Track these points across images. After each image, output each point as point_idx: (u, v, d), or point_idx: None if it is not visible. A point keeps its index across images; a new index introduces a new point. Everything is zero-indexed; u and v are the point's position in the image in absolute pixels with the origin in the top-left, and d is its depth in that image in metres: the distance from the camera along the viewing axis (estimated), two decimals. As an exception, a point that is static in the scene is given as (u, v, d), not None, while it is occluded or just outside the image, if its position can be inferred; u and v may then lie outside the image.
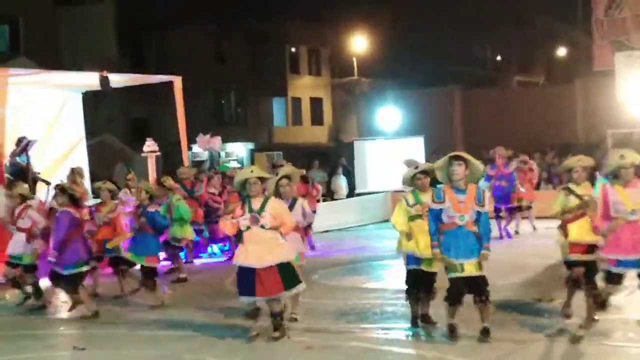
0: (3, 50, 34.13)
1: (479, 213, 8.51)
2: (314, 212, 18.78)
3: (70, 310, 11.34)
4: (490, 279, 8.61)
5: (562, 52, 54.22)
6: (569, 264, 9.38)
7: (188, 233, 14.83)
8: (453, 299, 8.61)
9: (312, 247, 18.39)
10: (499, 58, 57.78)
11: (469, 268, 8.44)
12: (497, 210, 18.37)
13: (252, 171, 9.26)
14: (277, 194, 9.77)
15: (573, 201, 9.16)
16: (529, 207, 18.81)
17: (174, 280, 14.05)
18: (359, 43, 47.36)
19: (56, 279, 11.16)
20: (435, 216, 8.60)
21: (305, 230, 10.81)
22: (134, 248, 11.84)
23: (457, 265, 8.44)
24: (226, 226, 9.17)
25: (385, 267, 15.29)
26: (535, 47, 53.88)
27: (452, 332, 8.69)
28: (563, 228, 9.30)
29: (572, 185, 9.26)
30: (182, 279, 14.09)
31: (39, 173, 17.05)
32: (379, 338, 9.18)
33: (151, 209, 11.80)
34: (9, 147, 16.20)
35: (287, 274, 9.10)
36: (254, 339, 9.11)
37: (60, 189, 11.17)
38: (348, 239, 20.43)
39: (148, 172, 18.90)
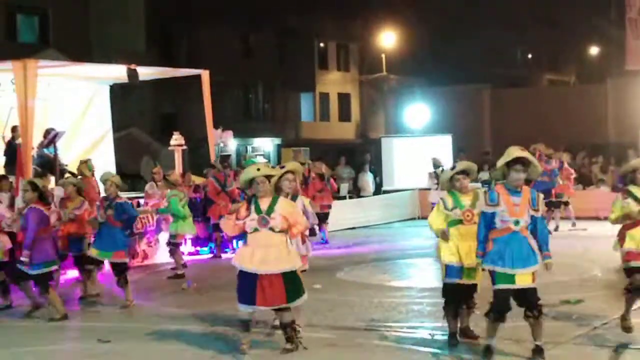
0: (33, 42, 34.31)
1: (534, 218, 7.69)
2: (329, 207, 18.95)
3: (30, 313, 10.85)
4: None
5: (594, 51, 53.71)
6: (630, 271, 8.72)
7: (186, 229, 14.80)
8: (498, 313, 7.76)
9: (326, 242, 18.47)
10: (529, 56, 57.36)
11: (523, 279, 7.61)
12: None
13: (258, 169, 8.40)
14: (278, 189, 8.82)
15: (633, 205, 8.61)
16: (566, 203, 19.41)
17: (171, 277, 13.99)
18: (388, 39, 47.20)
19: (22, 278, 10.64)
20: (488, 221, 7.73)
21: (313, 227, 9.91)
22: (100, 244, 11.46)
23: (509, 276, 7.60)
24: (228, 227, 8.39)
25: (411, 266, 15.19)
26: (566, 45, 53.42)
27: (489, 354, 7.88)
28: (620, 235, 8.77)
29: (632, 188, 8.69)
30: (179, 275, 13.98)
31: (66, 165, 17.09)
32: (404, 337, 9.06)
33: (119, 200, 11.46)
34: (37, 138, 16.23)
35: (293, 284, 8.29)
36: (243, 351, 8.37)
37: (32, 185, 10.66)
38: (374, 236, 20.34)
39: (174, 166, 18.91)
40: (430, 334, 9.06)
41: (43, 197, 10.64)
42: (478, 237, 7.83)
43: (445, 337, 8.62)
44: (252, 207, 8.26)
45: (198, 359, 8.43)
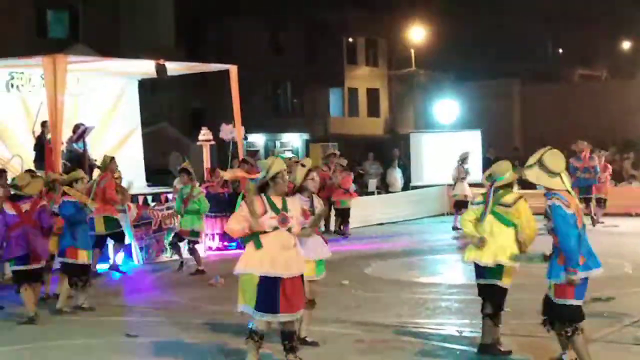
0: (62, 37, 34.57)
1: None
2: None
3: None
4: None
5: (626, 45, 53.11)
6: None
7: (204, 226, 14.83)
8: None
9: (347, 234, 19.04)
10: (560, 51, 56.86)
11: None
12: None
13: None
14: (302, 188, 8.22)
15: None
16: (605, 200, 19.47)
17: (193, 273, 13.91)
18: (417, 34, 46.99)
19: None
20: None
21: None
22: (84, 243, 10.80)
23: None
24: (237, 225, 7.39)
25: (439, 262, 15.12)
26: (598, 40, 52.87)
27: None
28: None
29: None
30: (200, 271, 13.91)
31: (95, 160, 17.13)
32: (431, 333, 9.01)
33: (66, 198, 10.86)
34: (66, 133, 16.32)
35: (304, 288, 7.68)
36: None
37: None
38: (403, 232, 20.25)
39: (203, 161, 18.94)
40: (458, 331, 9.00)
41: (16, 194, 10.31)
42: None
43: (473, 334, 8.55)
44: (267, 205, 7.41)
45: (227, 353, 8.38)
